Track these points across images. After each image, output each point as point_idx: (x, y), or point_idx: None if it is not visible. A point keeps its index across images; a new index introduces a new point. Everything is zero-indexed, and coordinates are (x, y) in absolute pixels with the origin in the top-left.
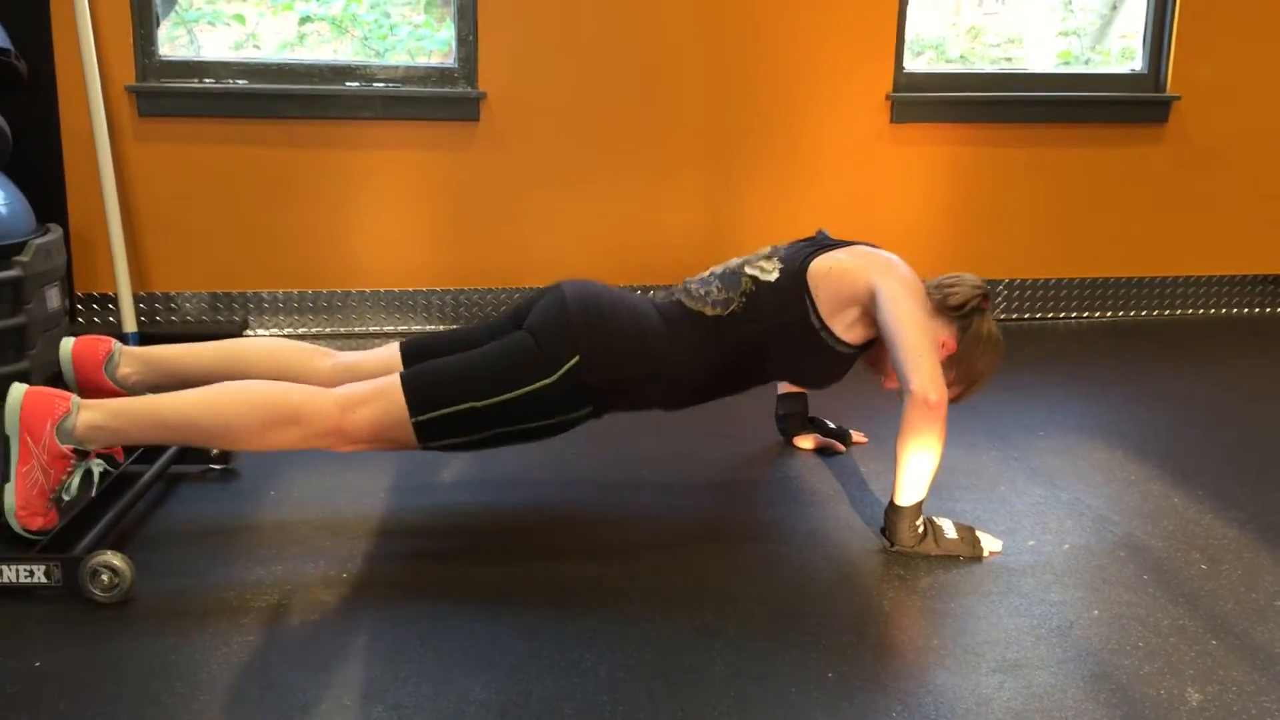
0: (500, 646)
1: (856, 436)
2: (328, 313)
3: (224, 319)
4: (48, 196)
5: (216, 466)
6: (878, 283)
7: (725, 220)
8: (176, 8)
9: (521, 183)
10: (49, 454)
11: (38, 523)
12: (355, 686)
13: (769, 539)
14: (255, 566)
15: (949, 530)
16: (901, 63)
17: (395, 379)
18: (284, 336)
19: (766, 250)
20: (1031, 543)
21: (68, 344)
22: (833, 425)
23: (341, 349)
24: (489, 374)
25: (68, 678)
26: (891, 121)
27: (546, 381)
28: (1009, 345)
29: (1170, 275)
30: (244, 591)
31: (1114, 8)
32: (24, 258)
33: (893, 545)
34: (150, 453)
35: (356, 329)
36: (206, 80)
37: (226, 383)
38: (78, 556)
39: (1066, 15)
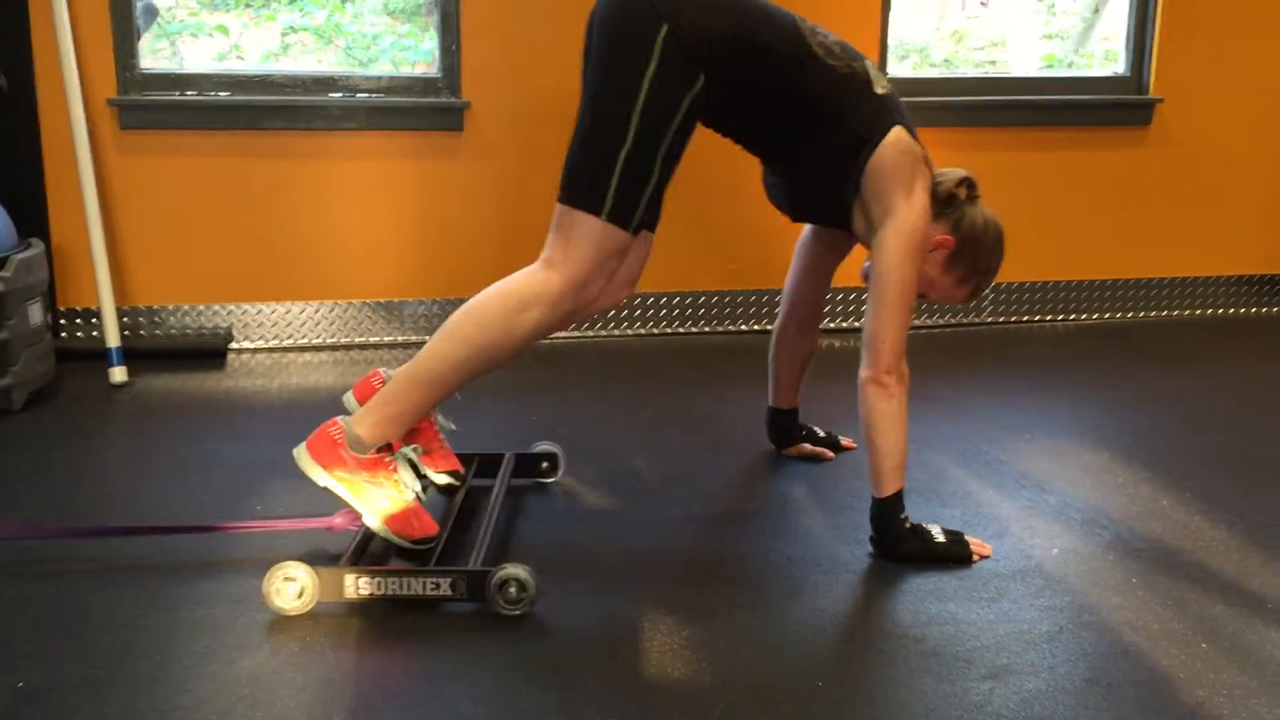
0: (488, 660)
1: (845, 442)
2: (313, 324)
3: (208, 332)
4: (29, 211)
5: (546, 480)
6: (885, 234)
7: (708, 227)
8: (159, 20)
9: (505, 192)
10: (363, 468)
11: (415, 529)
12: (344, 703)
13: (758, 547)
14: (241, 580)
15: (937, 534)
16: (885, 67)
17: (558, 209)
18: (268, 350)
19: (881, 71)
20: (1020, 547)
21: (349, 396)
22: (822, 433)
23: (329, 361)
24: (606, 116)
25: (50, 697)
26: None
27: (652, 69)
28: (997, 347)
29: (1156, 277)
30: (231, 609)
31: (1096, 10)
32: (5, 273)
33: (881, 546)
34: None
35: (343, 341)
36: (188, 92)
37: (451, 316)
38: (485, 570)
39: (1049, 18)
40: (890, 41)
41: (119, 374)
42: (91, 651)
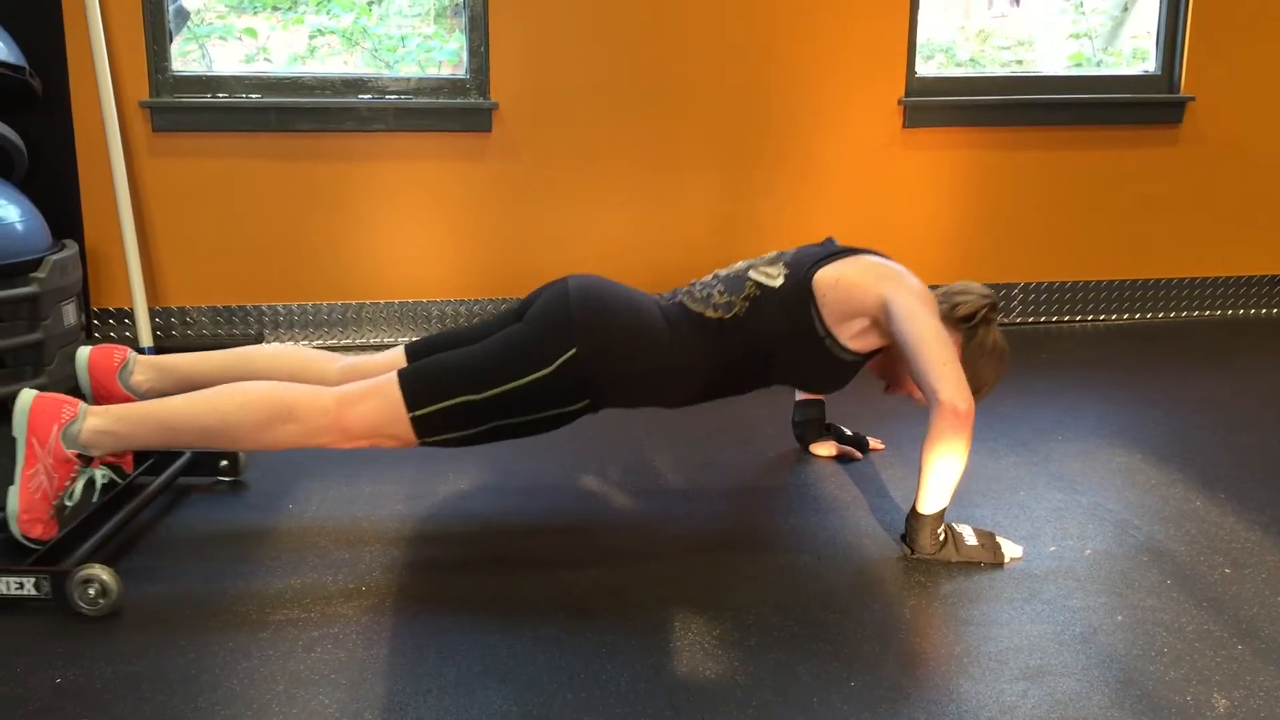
0: (521, 658)
1: (874, 443)
2: (342, 325)
3: (239, 333)
4: (63, 213)
5: (226, 479)
6: (889, 295)
7: (739, 227)
8: (189, 23)
9: (534, 192)
10: (54, 458)
11: (38, 530)
12: (377, 700)
13: (788, 547)
14: (273, 579)
15: (969, 537)
16: (913, 67)
17: (393, 375)
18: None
19: (772, 255)
20: (1052, 548)
21: (83, 352)
22: (850, 432)
23: None
24: (485, 367)
25: (89, 694)
26: (904, 126)
27: (543, 373)
28: (1027, 347)
29: (1187, 277)
30: (263, 605)
31: (1125, 9)
32: (40, 274)
33: (913, 553)
34: (160, 464)
35: (371, 341)
36: (219, 95)
37: (228, 385)
38: (66, 569)
39: (1077, 17)
40: (918, 41)
41: None
42: (127, 648)
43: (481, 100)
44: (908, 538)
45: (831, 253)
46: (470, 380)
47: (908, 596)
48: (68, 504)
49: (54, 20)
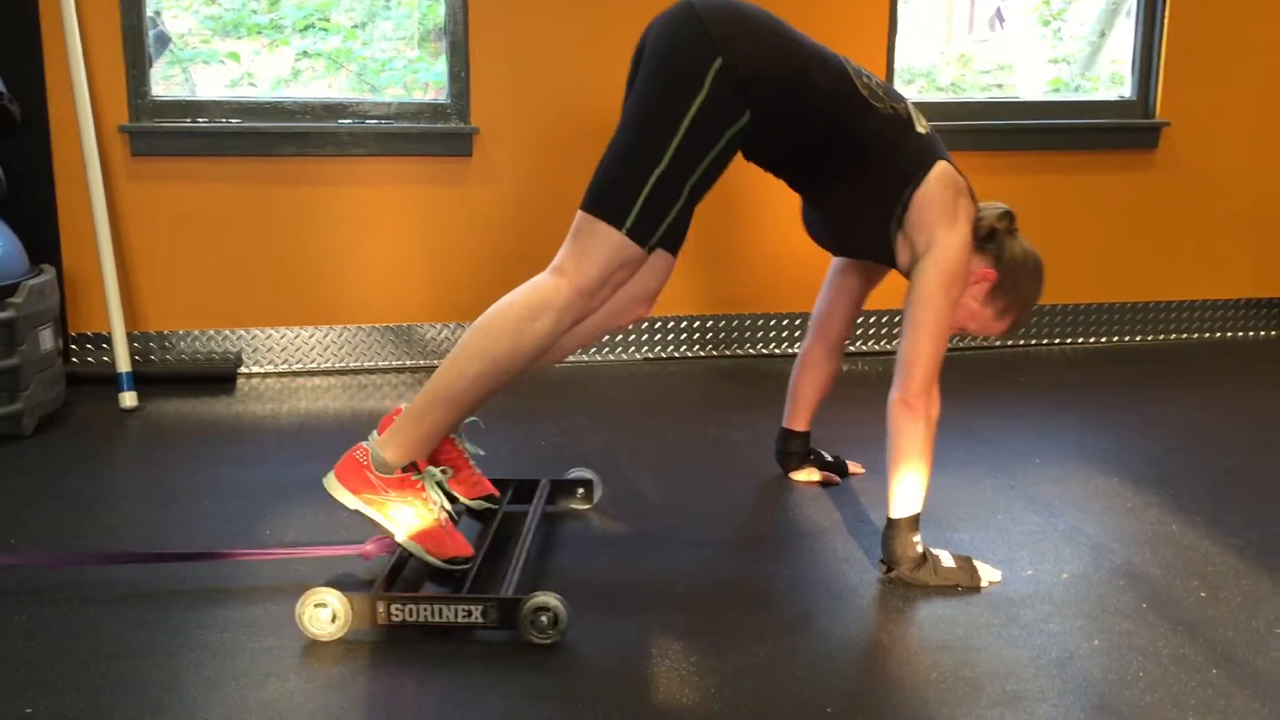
0: (500, 690)
1: (853, 467)
2: (322, 349)
3: (218, 356)
4: (40, 237)
5: (582, 507)
6: (934, 253)
7: (721, 251)
8: (171, 47)
9: (515, 217)
10: (390, 487)
11: (448, 548)
12: None
13: (766, 572)
14: (251, 607)
15: (946, 560)
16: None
17: (579, 216)
18: (278, 375)
19: (919, 111)
20: (1030, 572)
21: (374, 437)
22: (830, 457)
23: (338, 386)
24: (647, 134)
25: None
26: None
27: (700, 98)
28: (1005, 370)
29: (1163, 300)
30: (240, 635)
31: (1103, 34)
32: (17, 299)
33: (890, 569)
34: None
35: (353, 365)
36: (199, 119)
37: (465, 332)
38: (517, 598)
39: (1056, 42)
40: (897, 65)
41: (129, 399)
42: (100, 678)
43: (462, 125)
44: (884, 550)
45: (954, 164)
46: (644, 157)
47: (885, 621)
48: (451, 513)
49: (33, 45)
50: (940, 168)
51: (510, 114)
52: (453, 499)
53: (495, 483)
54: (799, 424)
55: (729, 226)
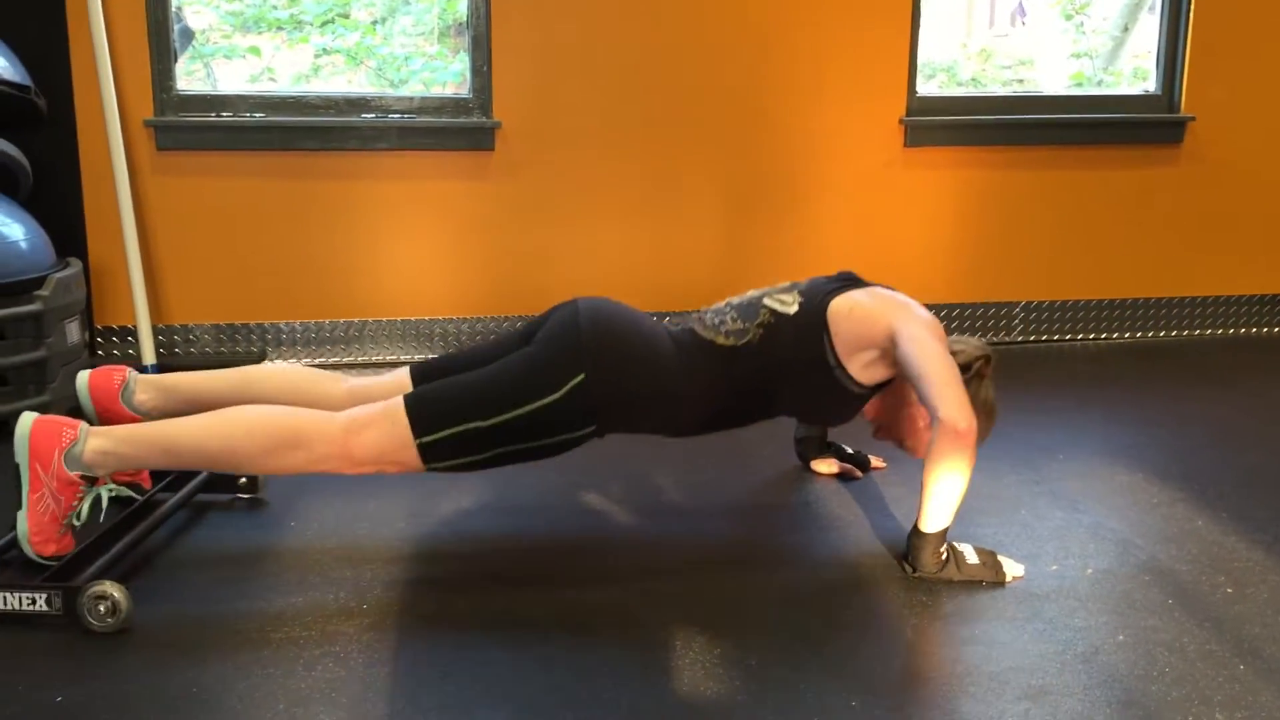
0: (521, 677)
1: (875, 462)
2: (345, 343)
3: (242, 350)
4: (67, 231)
5: (245, 495)
6: (898, 325)
7: (742, 246)
8: (194, 42)
9: (537, 212)
10: (58, 481)
11: (51, 549)
12: (377, 719)
13: (789, 565)
14: (275, 597)
15: (970, 555)
16: (914, 86)
17: (399, 401)
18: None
19: (787, 284)
20: (1054, 567)
21: (83, 375)
22: (851, 450)
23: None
24: (493, 393)
25: (89, 712)
26: (905, 145)
27: (551, 399)
28: (1028, 366)
29: (1188, 296)
30: (264, 623)
31: (1126, 29)
32: (44, 292)
33: (914, 571)
34: (178, 481)
35: (374, 359)
36: (223, 114)
37: (233, 408)
38: (77, 586)
39: (1078, 37)
40: (919, 60)
41: None
42: (128, 667)
43: (484, 119)
44: (909, 556)
45: (846, 281)
46: (478, 406)
47: (909, 615)
48: (76, 523)
49: (59, 40)
50: (833, 308)
51: (533, 108)
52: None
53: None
54: None
55: (741, 217)
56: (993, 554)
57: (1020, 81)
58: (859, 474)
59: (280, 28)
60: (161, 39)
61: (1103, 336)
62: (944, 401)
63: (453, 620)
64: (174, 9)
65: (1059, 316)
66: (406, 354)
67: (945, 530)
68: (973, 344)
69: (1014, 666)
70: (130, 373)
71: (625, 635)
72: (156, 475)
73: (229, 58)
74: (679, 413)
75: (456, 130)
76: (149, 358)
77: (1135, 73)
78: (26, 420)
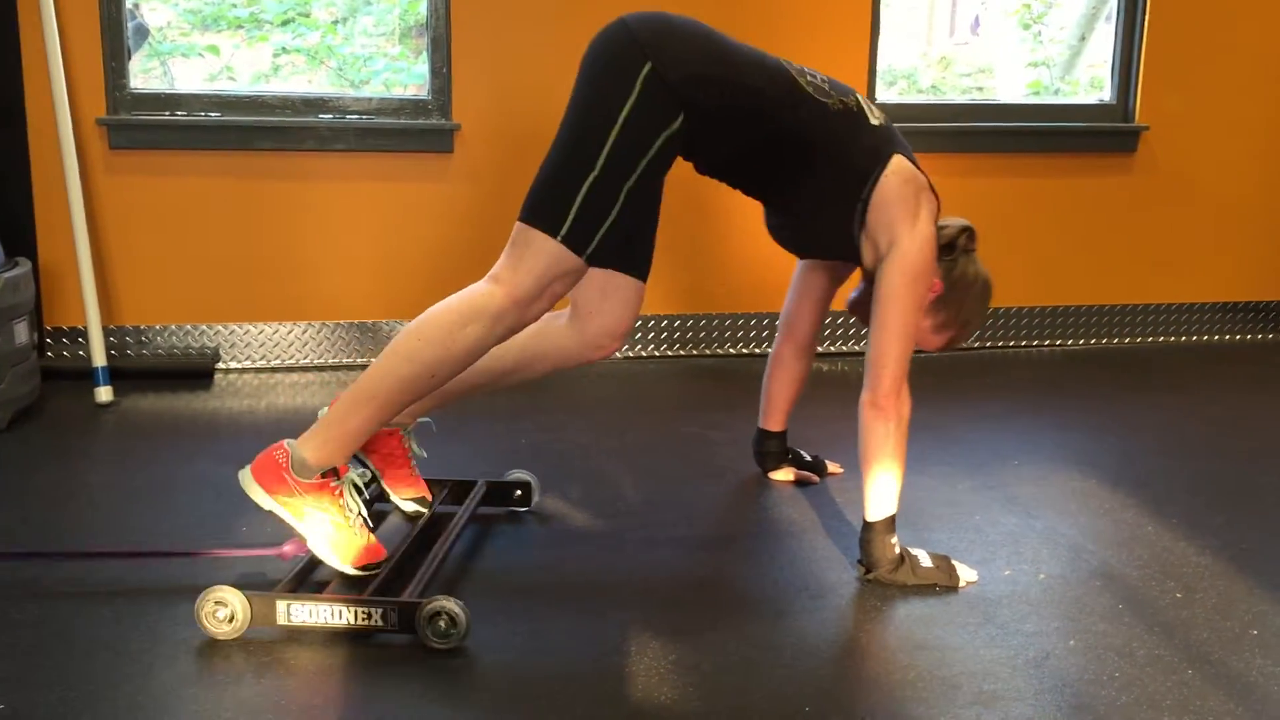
0: (471, 684)
1: (832, 467)
2: (300, 345)
3: (195, 352)
4: (16, 230)
5: (519, 509)
6: (898, 252)
7: (700, 250)
8: (149, 40)
9: (496, 214)
10: (307, 492)
11: (361, 556)
12: None
13: (745, 572)
14: None
15: (924, 560)
16: (874, 93)
17: (518, 225)
18: (256, 370)
19: (877, 105)
20: (1007, 572)
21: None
22: (809, 456)
23: (316, 382)
24: (582, 142)
25: None
26: None
27: (631, 101)
28: (983, 372)
29: (1141, 303)
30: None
31: (1083, 38)
32: None
33: (869, 570)
34: (457, 495)
35: (330, 361)
36: (178, 113)
37: (397, 334)
38: (415, 602)
39: (1036, 46)
40: (879, 67)
41: (105, 394)
42: (73, 675)
43: (443, 121)
44: (862, 553)
45: (911, 155)
46: (577, 165)
47: (863, 620)
48: (364, 515)
49: (9, 36)
50: (897, 162)
51: (492, 110)
52: (384, 498)
53: (432, 483)
54: (774, 424)
55: (707, 226)
56: (946, 559)
57: (979, 89)
58: (815, 479)
59: (240, 26)
60: (115, 36)
61: (1056, 343)
62: (872, 379)
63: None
64: (129, 6)
65: (1013, 324)
66: (365, 357)
67: (892, 518)
68: (955, 222)
69: (966, 671)
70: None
71: (579, 641)
72: (436, 489)
73: (187, 56)
74: (759, 109)
75: (415, 132)
76: (99, 360)
77: (1092, 82)
78: (243, 473)
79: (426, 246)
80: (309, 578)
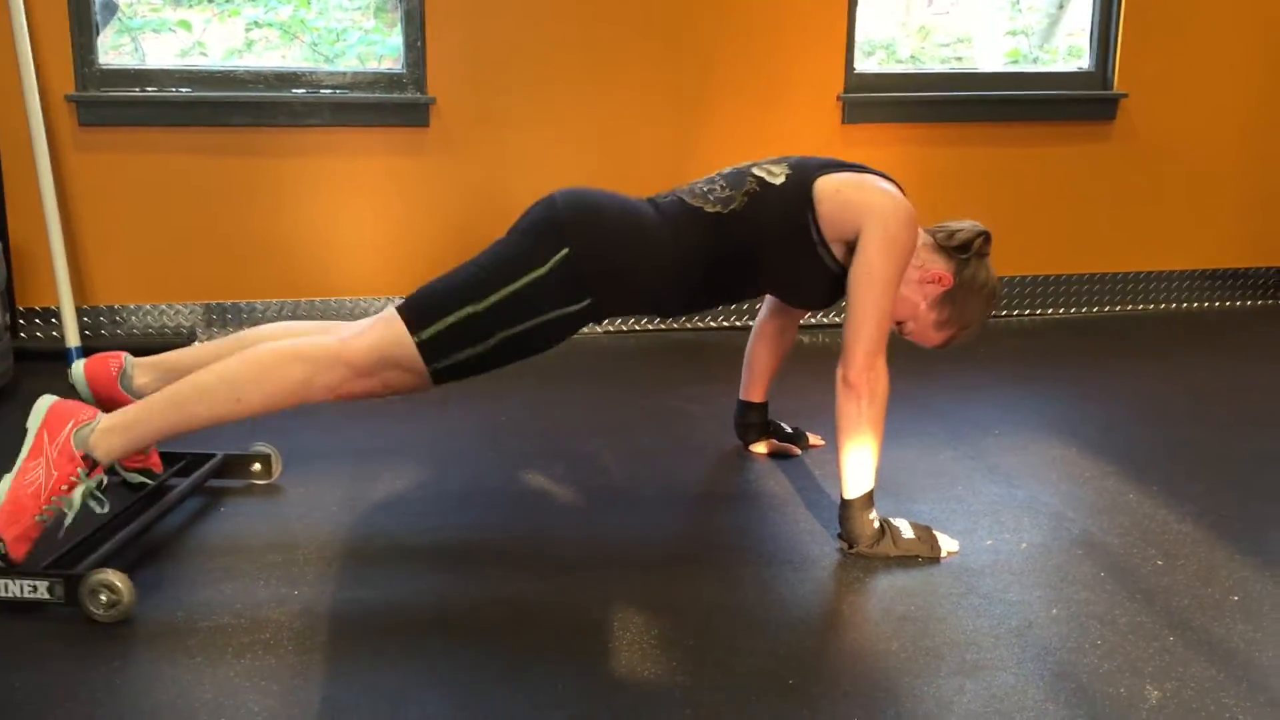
0: (455, 661)
1: (813, 439)
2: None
3: (170, 330)
4: None
5: (260, 482)
6: (864, 236)
7: None
8: (119, 15)
9: (472, 188)
10: (60, 453)
11: (13, 532)
12: (309, 705)
13: (726, 545)
14: (201, 585)
15: (906, 531)
16: (852, 63)
17: (392, 308)
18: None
19: (776, 157)
20: (989, 542)
21: (79, 365)
22: (789, 429)
23: None
24: (481, 276)
25: (6, 708)
26: (843, 122)
27: (538, 273)
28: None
29: (1120, 271)
30: (191, 610)
31: (1061, 6)
32: None
33: (850, 546)
34: (190, 468)
35: None
36: (149, 89)
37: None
38: (79, 574)
39: (1014, 14)
40: (857, 38)
41: None
42: (48, 659)
43: (418, 95)
44: (842, 529)
45: (837, 164)
46: (468, 292)
47: (845, 593)
48: (66, 512)
49: None
50: (819, 188)
51: (467, 84)
52: (111, 469)
53: (168, 456)
54: (756, 395)
55: None
56: (928, 529)
57: (958, 59)
58: (796, 452)
59: (211, 0)
60: (82, 11)
61: (1036, 312)
62: (848, 356)
63: (385, 605)
64: None
65: None
66: None
67: (869, 494)
68: (971, 225)
69: (949, 641)
70: (126, 357)
71: (561, 617)
72: (168, 461)
73: (158, 31)
74: (668, 281)
75: (390, 106)
76: (73, 340)
77: (1070, 50)
78: (48, 398)
79: (402, 221)
80: None
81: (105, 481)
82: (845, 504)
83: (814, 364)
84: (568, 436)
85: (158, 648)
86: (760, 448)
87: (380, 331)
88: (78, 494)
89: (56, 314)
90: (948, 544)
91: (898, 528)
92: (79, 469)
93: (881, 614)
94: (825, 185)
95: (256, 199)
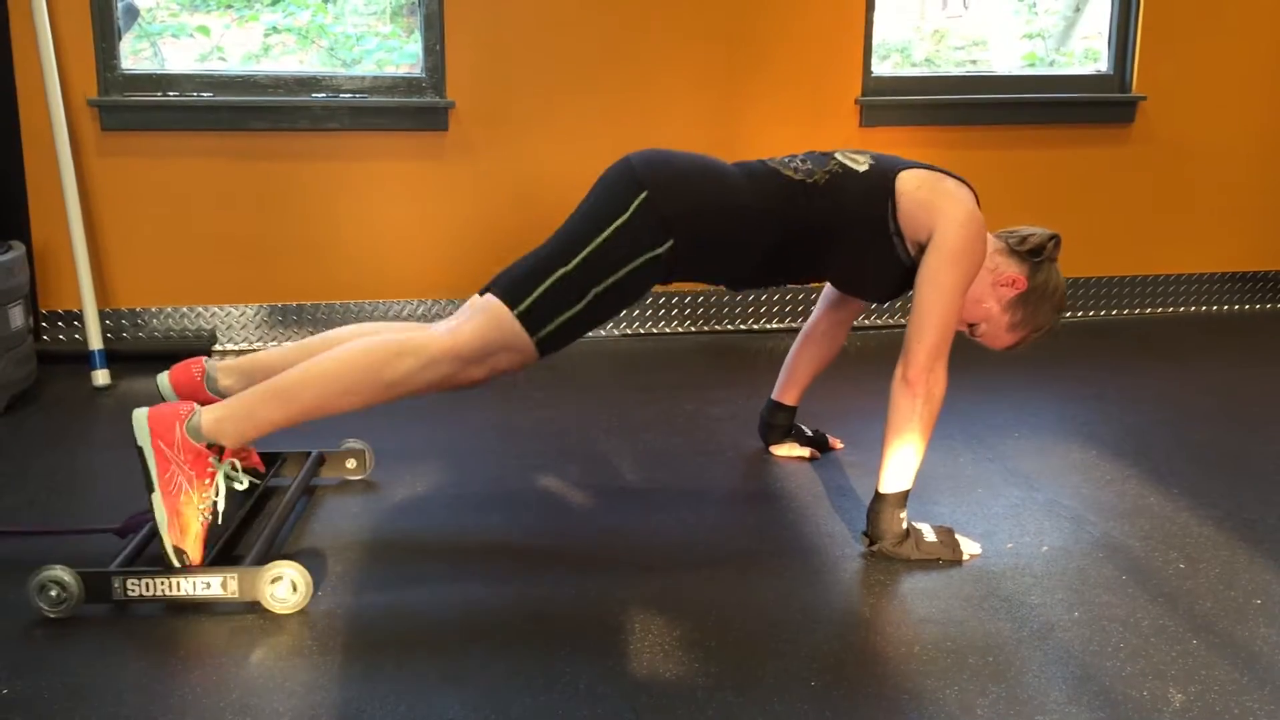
0: (478, 663)
1: (834, 442)
2: (297, 326)
3: (191, 334)
4: (9, 213)
5: (355, 478)
6: (936, 238)
7: None
8: (139, 21)
9: (491, 191)
10: (186, 453)
11: (186, 540)
12: (332, 706)
13: (748, 547)
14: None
15: (928, 534)
16: (870, 67)
17: (484, 297)
18: (252, 352)
19: (858, 149)
20: (1010, 545)
21: (164, 376)
22: (810, 431)
23: None
24: (566, 240)
25: (36, 706)
26: (861, 125)
27: (621, 220)
28: (982, 346)
29: (1140, 274)
30: (216, 610)
31: (1077, 9)
32: None
33: (874, 542)
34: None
35: None
36: (170, 93)
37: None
38: (256, 567)
39: (1030, 17)
40: (874, 42)
41: (102, 377)
42: (78, 658)
43: (437, 99)
44: (869, 523)
45: (918, 164)
46: (556, 258)
47: (867, 595)
48: (218, 509)
49: None
50: (902, 181)
51: (486, 88)
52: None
53: (267, 456)
54: (789, 398)
55: None
56: (950, 532)
57: (974, 62)
58: (817, 455)
59: (229, 6)
60: (105, 17)
61: None
62: (909, 356)
63: (408, 608)
64: None
65: None
66: None
67: (905, 494)
68: (1043, 231)
69: (971, 644)
70: (206, 362)
71: (583, 619)
72: (268, 461)
73: (177, 36)
74: (745, 230)
75: (409, 110)
76: (95, 343)
77: (1086, 53)
78: (141, 410)
79: (422, 225)
80: (142, 553)
81: (238, 463)
82: (879, 497)
83: (843, 369)
84: (587, 439)
85: (184, 648)
86: (783, 450)
87: (483, 318)
88: (220, 481)
89: (79, 317)
90: (969, 547)
91: (920, 531)
92: (210, 458)
93: (903, 616)
94: (907, 180)
95: (277, 203)
